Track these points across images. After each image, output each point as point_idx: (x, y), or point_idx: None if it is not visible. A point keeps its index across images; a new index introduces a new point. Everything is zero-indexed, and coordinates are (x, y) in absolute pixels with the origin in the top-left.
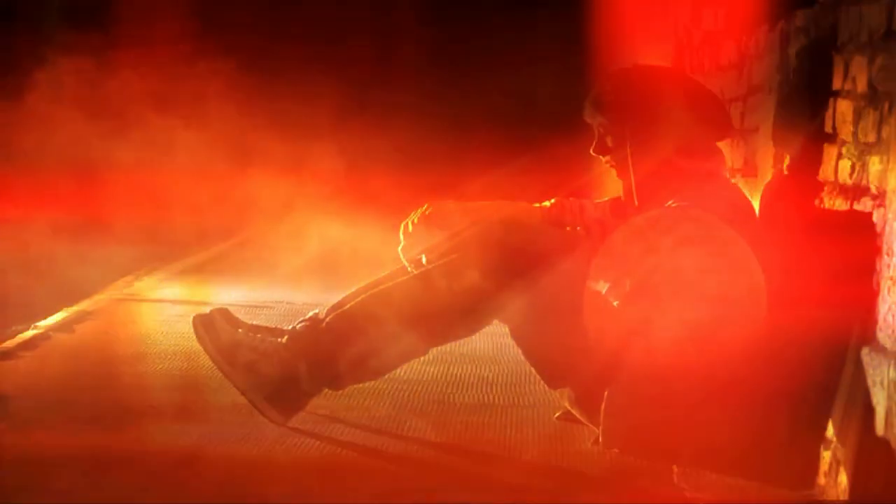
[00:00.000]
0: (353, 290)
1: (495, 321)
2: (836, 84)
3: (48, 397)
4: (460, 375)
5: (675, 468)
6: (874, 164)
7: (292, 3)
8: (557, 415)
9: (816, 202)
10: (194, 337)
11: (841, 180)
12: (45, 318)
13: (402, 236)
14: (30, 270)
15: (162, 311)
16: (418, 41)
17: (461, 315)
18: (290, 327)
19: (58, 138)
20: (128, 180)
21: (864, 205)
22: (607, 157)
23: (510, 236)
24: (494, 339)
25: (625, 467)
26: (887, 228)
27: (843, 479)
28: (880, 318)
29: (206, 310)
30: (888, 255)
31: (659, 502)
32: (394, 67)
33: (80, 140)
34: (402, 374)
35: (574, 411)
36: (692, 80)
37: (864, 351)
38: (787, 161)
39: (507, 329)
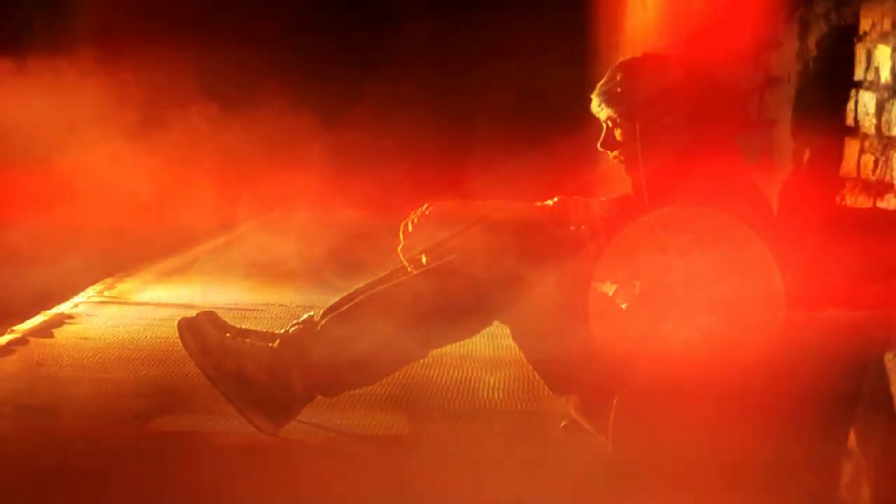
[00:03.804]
0: (350, 291)
1: (496, 322)
2: (858, 74)
3: (25, 404)
4: (461, 379)
5: (688, 482)
6: None
7: None
8: (563, 424)
9: (838, 199)
10: (180, 342)
11: (863, 176)
12: (22, 321)
13: (401, 236)
14: (5, 271)
15: (145, 315)
16: (417, 29)
17: (461, 316)
18: (282, 331)
19: (25, 138)
20: (104, 178)
21: (887, 202)
22: (616, 153)
23: (512, 236)
24: (496, 342)
25: (635, 481)
26: None
27: (866, 492)
28: None
29: (193, 313)
30: None
31: None
32: (391, 57)
33: (48, 138)
34: (399, 378)
35: (581, 420)
36: (706, 71)
37: (888, 357)
38: (806, 156)
39: (507, 330)
